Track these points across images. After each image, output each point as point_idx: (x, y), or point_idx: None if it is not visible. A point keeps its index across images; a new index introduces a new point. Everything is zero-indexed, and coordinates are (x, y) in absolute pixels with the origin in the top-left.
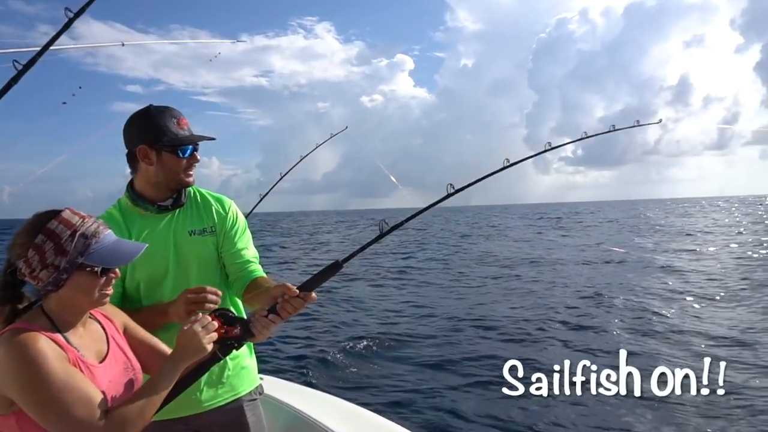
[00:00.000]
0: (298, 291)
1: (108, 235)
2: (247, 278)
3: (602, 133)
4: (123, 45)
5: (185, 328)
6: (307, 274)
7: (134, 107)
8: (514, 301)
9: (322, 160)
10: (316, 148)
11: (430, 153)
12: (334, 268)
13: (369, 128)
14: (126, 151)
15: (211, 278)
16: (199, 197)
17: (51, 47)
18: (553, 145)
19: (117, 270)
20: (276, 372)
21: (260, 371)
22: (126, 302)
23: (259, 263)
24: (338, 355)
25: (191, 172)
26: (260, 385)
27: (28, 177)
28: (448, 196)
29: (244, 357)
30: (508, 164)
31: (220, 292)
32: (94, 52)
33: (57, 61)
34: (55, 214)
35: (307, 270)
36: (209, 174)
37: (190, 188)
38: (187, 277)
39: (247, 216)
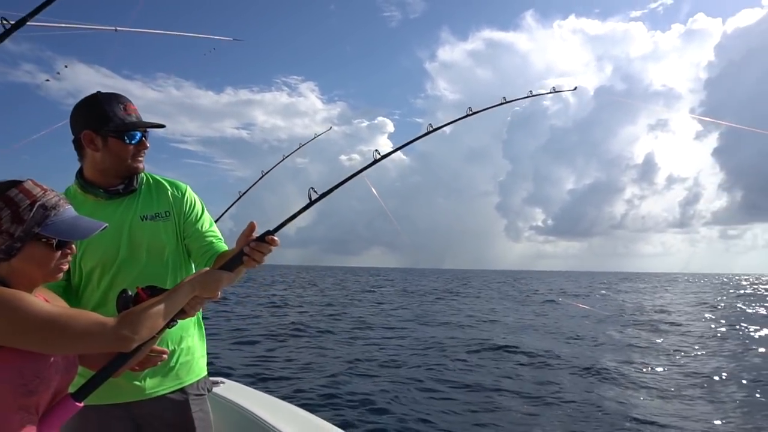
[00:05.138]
0: (255, 224)
1: (68, 209)
2: (213, 253)
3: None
4: (116, 30)
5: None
6: None
7: None
8: None
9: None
10: (299, 148)
11: (403, 214)
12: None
13: (345, 187)
14: (73, 137)
15: (160, 264)
16: (152, 182)
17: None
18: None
19: (73, 246)
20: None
21: (228, 376)
22: (69, 295)
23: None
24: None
25: (140, 159)
26: (208, 380)
27: None
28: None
29: (193, 347)
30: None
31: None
32: (75, 94)
33: (39, 99)
34: (16, 183)
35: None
36: None
37: (144, 174)
38: (137, 263)
39: (220, 216)
